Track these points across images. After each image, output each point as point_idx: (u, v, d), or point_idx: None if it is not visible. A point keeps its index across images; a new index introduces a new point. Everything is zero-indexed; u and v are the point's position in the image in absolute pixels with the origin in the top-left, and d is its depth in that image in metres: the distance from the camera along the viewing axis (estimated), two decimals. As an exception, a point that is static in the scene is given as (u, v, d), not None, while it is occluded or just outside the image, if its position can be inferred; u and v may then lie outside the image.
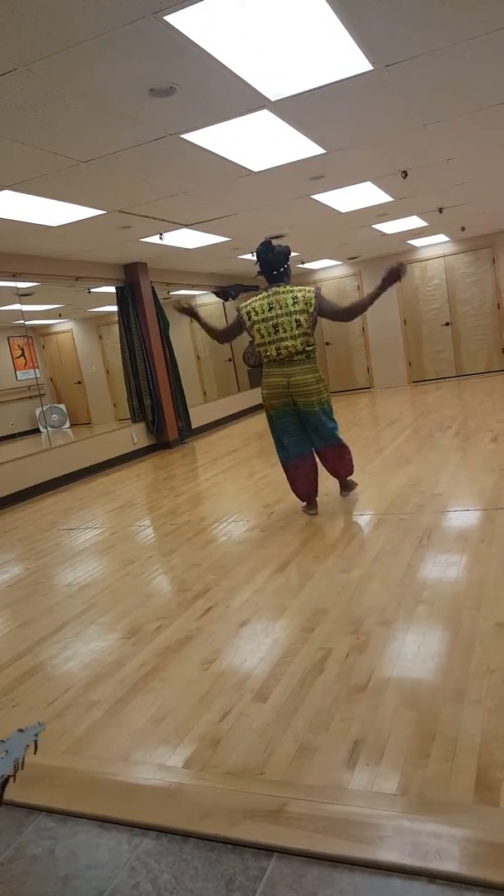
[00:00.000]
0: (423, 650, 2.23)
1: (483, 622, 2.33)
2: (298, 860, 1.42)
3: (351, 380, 11.39)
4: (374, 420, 8.09)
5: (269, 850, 1.46)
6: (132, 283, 7.98)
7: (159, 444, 8.27)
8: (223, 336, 4.28)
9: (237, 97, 3.29)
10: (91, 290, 8.11)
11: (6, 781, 0.86)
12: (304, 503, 4.23)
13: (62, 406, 12.15)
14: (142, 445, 8.09)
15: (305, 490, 4.18)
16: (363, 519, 3.87)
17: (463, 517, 3.63)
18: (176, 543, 4.06)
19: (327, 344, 11.35)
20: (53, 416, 11.82)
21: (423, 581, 2.82)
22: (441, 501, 3.95)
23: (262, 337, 3.96)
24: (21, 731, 0.84)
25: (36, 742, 0.85)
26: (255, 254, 4.02)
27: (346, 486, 4.35)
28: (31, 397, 11.28)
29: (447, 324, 10.61)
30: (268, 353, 3.98)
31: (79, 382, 12.54)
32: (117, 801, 1.72)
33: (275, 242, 4.00)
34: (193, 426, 8.89)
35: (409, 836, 1.42)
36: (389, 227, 8.15)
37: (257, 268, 4.04)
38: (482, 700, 1.87)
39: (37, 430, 11.23)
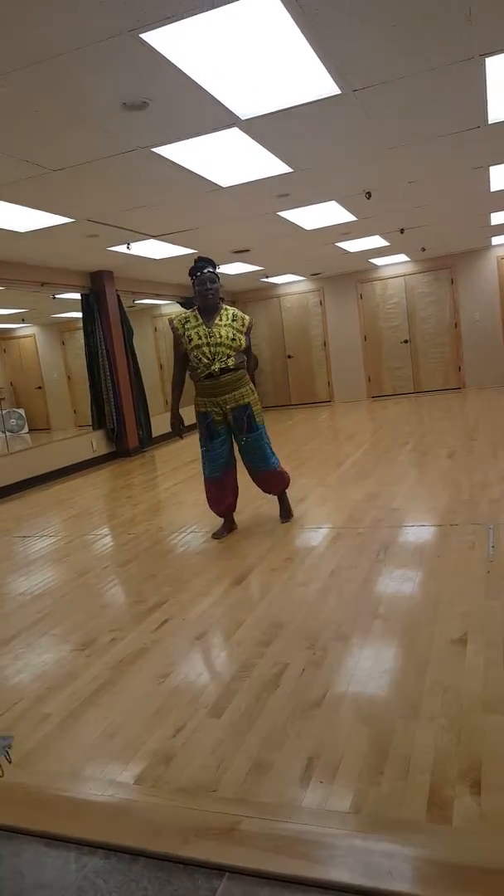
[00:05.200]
0: (379, 666, 2.25)
1: (438, 638, 2.36)
2: (250, 880, 1.41)
3: (312, 393, 11.50)
4: (333, 434, 8.17)
5: (221, 870, 1.44)
6: (98, 291, 7.91)
7: (119, 451, 8.18)
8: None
9: (208, 115, 3.31)
10: (56, 296, 8.00)
11: None
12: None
13: (21, 410, 11.94)
14: (101, 453, 7.99)
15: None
16: (321, 532, 3.90)
17: (419, 532, 3.68)
18: (133, 553, 4.02)
19: (289, 357, 11.44)
20: (12, 420, 11.60)
21: (379, 596, 2.85)
22: (398, 516, 4.01)
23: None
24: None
25: (8, 754, 0.83)
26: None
27: None
28: (-12, 401, 11.05)
29: (406, 341, 10.82)
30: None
31: (39, 388, 12.34)
32: (66, 818, 1.68)
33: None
34: (154, 435, 8.83)
35: (362, 856, 1.43)
36: (352, 246, 8.29)
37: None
38: (436, 717, 1.89)
39: (-7, 435, 10.99)
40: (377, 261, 10.05)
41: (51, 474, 7.16)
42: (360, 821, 1.53)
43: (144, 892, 1.43)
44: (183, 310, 10.39)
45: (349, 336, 11.11)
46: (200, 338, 3.79)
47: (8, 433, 11.03)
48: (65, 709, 2.24)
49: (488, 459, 5.20)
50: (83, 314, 8.00)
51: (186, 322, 3.85)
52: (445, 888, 1.31)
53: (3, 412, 11.15)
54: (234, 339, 3.81)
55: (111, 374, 8.01)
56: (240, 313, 3.93)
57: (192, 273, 3.82)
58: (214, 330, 3.79)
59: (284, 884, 1.38)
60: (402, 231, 7.58)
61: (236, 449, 4.03)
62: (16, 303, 9.10)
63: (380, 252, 9.14)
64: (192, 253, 7.23)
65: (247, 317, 3.97)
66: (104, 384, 8.00)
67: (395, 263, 10.59)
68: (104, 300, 7.92)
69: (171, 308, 10.90)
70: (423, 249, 9.38)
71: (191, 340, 3.81)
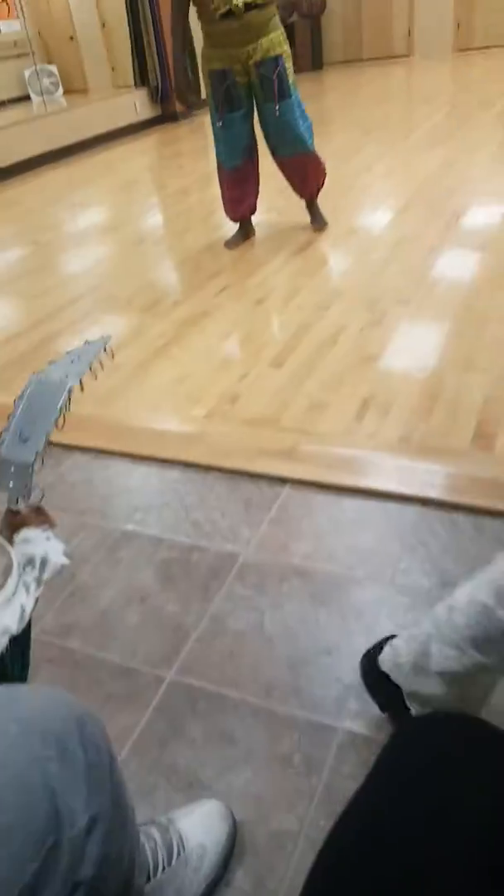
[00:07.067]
0: (438, 325, 2.27)
1: (502, 301, 2.33)
2: (308, 488, 1.62)
3: (387, 45, 9.69)
4: (408, 94, 7.13)
5: (283, 481, 1.65)
6: None
7: (165, 115, 7.40)
8: None
9: None
10: None
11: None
12: None
13: (54, 67, 10.60)
14: (145, 117, 7.26)
15: None
16: (387, 203, 3.63)
17: (495, 202, 3.39)
18: (188, 223, 3.89)
19: (363, -7, 9.40)
20: (45, 79, 10.38)
21: (445, 264, 2.75)
22: (473, 186, 3.66)
23: None
24: (88, 342, 0.85)
25: (106, 347, 0.86)
26: None
27: None
28: (18, 56, 9.76)
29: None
30: None
31: (71, 38, 10.74)
32: (145, 442, 1.90)
33: None
34: (204, 96, 7.83)
35: (407, 472, 1.61)
36: None
37: None
38: (489, 369, 1.95)
39: (26, 97, 9.97)
40: None
41: (92, 141, 6.63)
42: (408, 447, 1.70)
43: (217, 495, 1.68)
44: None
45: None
46: None
47: (45, 96, 9.97)
48: (135, 359, 2.39)
49: None
50: None
51: None
52: (475, 496, 1.48)
53: (34, 69, 9.90)
54: None
55: (153, 15, 6.85)
56: None
57: None
58: None
59: (339, 492, 1.58)
60: None
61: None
62: None
63: None
64: None
65: None
66: (146, 30, 6.90)
67: None
68: None
69: None
70: None
71: None
